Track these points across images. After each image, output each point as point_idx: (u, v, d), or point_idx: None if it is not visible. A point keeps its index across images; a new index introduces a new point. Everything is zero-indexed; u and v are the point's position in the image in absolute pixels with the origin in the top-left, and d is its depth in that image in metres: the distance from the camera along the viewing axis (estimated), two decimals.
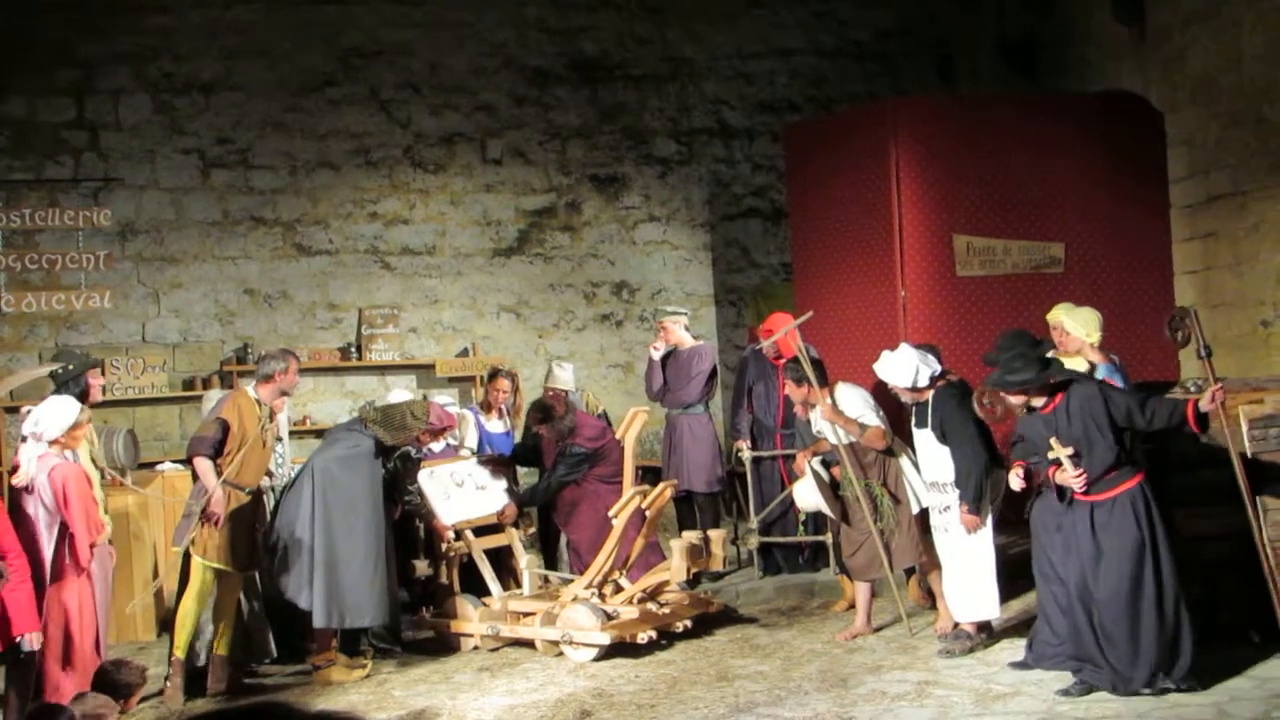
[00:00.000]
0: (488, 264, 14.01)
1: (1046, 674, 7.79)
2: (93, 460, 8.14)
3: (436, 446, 10.10)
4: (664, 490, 9.52)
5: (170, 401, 12.82)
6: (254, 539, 8.68)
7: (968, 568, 8.40)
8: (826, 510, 9.14)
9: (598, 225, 14.34)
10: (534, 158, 14.16)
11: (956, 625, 8.56)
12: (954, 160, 11.62)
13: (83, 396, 8.11)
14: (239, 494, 8.49)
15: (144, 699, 8.07)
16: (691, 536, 9.40)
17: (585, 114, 14.31)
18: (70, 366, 8.46)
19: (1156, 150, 11.34)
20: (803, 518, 10.29)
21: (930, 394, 8.44)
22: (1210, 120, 10.61)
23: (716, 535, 9.49)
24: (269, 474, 8.98)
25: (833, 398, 9.01)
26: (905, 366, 8.48)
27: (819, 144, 12.38)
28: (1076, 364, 8.50)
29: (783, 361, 10.48)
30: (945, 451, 8.37)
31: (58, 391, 8.10)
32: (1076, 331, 8.54)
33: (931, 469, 8.57)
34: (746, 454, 10.66)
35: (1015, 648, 8.20)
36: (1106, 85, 12.00)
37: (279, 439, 9.39)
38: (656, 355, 11.11)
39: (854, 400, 8.97)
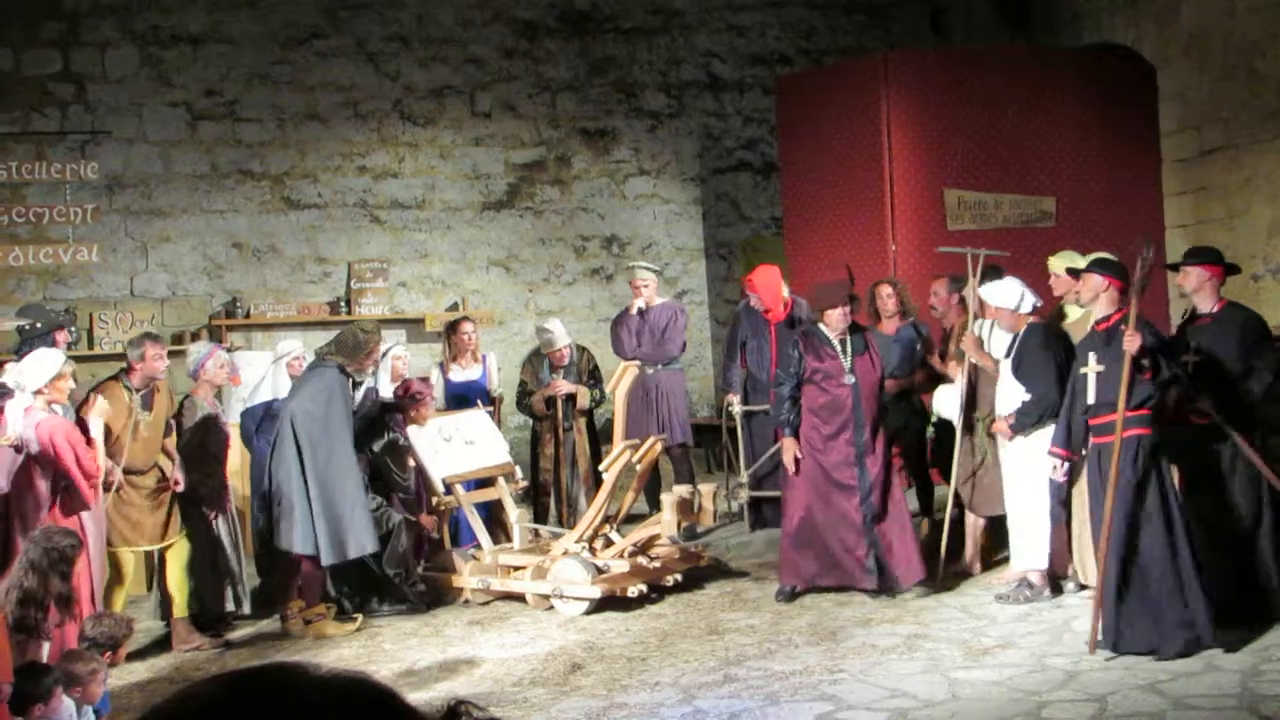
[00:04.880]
0: (477, 218, 13.95)
1: (1036, 626, 7.84)
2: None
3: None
4: (654, 444, 9.53)
5: None
6: (169, 510, 8.56)
7: (1023, 510, 8.35)
8: (955, 421, 9.03)
9: (587, 179, 14.29)
10: (523, 111, 14.09)
11: (1023, 576, 8.49)
12: (946, 114, 11.59)
13: None
14: (136, 478, 8.40)
15: (135, 654, 8.11)
16: (682, 490, 9.41)
17: (575, 67, 14.22)
18: (39, 324, 8.45)
19: (1149, 104, 11.32)
20: (934, 419, 9.73)
21: (1023, 326, 8.34)
22: (1202, 74, 10.58)
23: (707, 490, 9.50)
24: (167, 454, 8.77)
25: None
26: (1012, 290, 8.37)
27: (810, 97, 12.33)
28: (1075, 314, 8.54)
29: (775, 318, 10.43)
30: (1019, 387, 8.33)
31: (21, 346, 8.10)
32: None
33: (1006, 403, 8.45)
34: (737, 408, 10.63)
35: (1071, 612, 8.12)
36: (1099, 39, 11.96)
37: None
38: (636, 312, 11.04)
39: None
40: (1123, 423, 7.04)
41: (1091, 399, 7.34)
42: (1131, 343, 7.02)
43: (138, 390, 8.46)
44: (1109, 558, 7.05)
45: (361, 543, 8.66)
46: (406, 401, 9.53)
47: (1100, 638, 7.19)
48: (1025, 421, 8.26)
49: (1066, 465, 7.70)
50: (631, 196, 14.41)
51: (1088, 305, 7.63)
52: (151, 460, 8.53)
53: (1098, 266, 7.53)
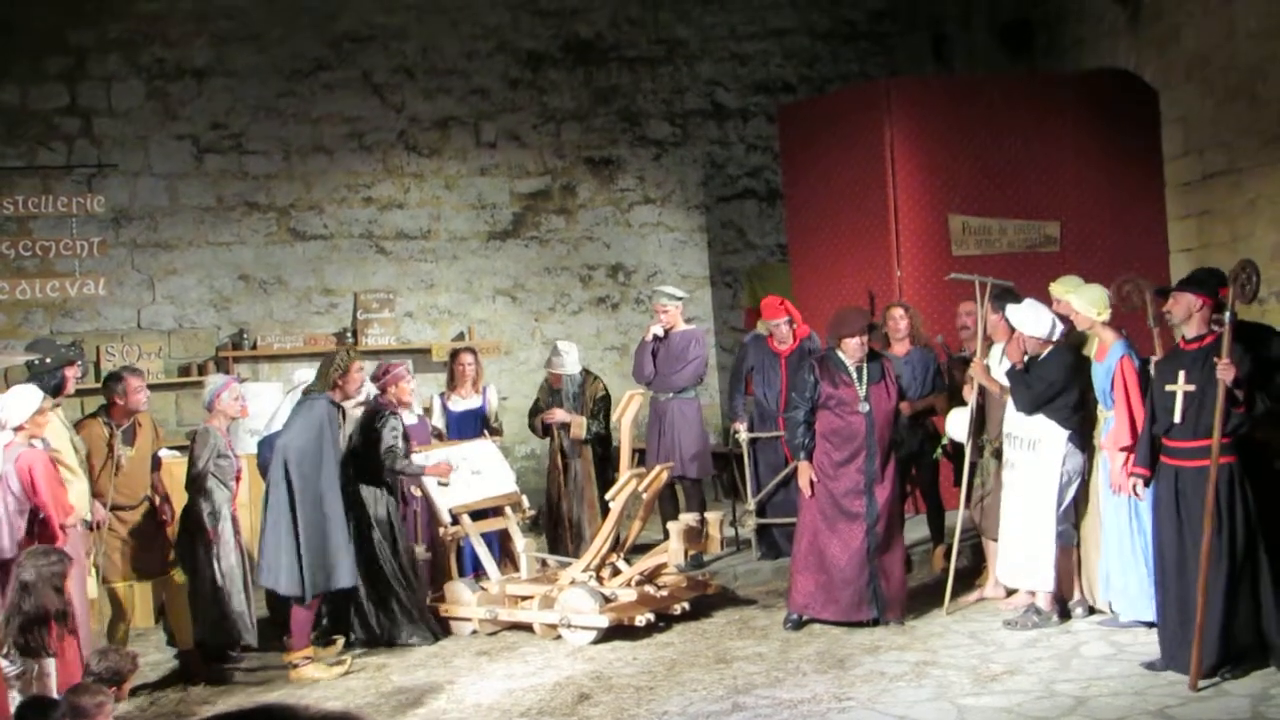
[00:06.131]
0: (483, 247, 13.98)
1: (1045, 651, 7.82)
2: (74, 445, 8.17)
3: (408, 418, 9.92)
4: (660, 473, 9.52)
5: (166, 388, 12.78)
6: (164, 543, 8.62)
7: (1026, 530, 8.34)
8: (965, 444, 9.09)
9: (593, 208, 14.32)
10: (528, 141, 14.13)
11: (1031, 601, 8.50)
12: (949, 140, 11.62)
13: (58, 389, 8.24)
14: (125, 513, 8.45)
15: (141, 688, 8.10)
16: (689, 519, 9.41)
17: (579, 96, 14.27)
18: (47, 360, 8.49)
19: (1151, 128, 11.33)
20: (944, 441, 9.75)
21: (1046, 350, 8.38)
22: (1205, 97, 10.59)
23: (713, 518, 9.50)
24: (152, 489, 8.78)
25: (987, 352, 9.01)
26: (1043, 318, 8.39)
27: (814, 125, 12.36)
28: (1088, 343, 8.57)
29: (786, 350, 10.40)
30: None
31: (30, 382, 8.13)
32: (1087, 311, 8.30)
33: (1014, 420, 8.48)
34: (744, 435, 10.62)
35: (1079, 637, 8.13)
36: (1101, 64, 11.98)
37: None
38: (651, 338, 11.01)
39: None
40: (1219, 449, 6.93)
41: (1178, 419, 7.16)
42: (1226, 373, 6.89)
43: (119, 426, 8.48)
44: (1210, 584, 6.94)
45: (343, 576, 8.60)
46: (386, 381, 9.50)
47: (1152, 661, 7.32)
48: (1019, 388, 8.27)
49: (1143, 484, 7.52)
50: (637, 225, 14.44)
51: (1179, 325, 7.40)
52: (140, 494, 8.55)
53: (1190, 285, 7.33)
